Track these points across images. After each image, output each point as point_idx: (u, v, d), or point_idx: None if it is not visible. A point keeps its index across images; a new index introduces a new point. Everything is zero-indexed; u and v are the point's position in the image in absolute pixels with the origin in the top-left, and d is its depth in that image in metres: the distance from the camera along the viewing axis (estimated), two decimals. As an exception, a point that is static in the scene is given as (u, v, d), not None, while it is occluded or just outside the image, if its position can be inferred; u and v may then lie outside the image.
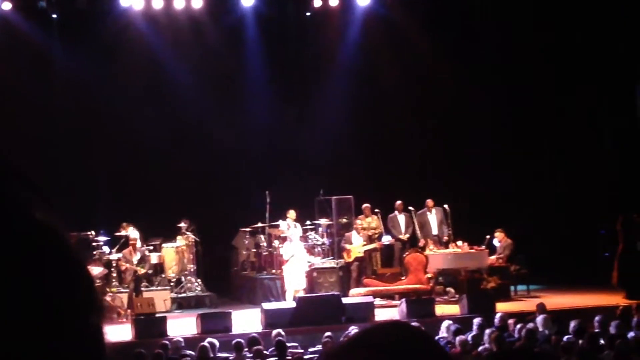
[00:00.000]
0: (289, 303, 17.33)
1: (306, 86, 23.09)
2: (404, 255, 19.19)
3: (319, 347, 13.82)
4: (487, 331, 12.98)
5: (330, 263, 19.57)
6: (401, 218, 20.22)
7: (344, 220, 20.58)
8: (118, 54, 22.09)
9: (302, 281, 18.40)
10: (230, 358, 13.32)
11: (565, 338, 12.54)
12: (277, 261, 19.61)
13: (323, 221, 20.43)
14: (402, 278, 18.86)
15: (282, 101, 22.87)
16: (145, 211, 19.87)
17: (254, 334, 14.33)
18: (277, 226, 20.03)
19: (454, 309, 17.18)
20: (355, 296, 17.95)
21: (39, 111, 21.40)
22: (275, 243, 19.94)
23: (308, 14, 23.55)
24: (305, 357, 13.16)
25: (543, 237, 21.80)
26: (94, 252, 18.80)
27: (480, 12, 22.72)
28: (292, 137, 22.46)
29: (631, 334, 12.88)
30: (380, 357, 1.31)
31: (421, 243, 19.76)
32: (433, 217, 20.19)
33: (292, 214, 19.48)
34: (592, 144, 22.80)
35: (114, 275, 19.17)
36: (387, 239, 19.88)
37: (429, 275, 18.74)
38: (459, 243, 19.45)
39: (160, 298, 18.42)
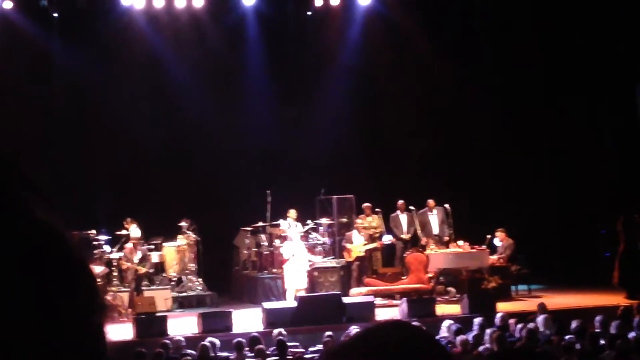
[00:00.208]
0: (290, 302, 17.33)
1: (307, 85, 23.09)
2: (405, 255, 19.20)
3: (319, 346, 13.82)
4: (488, 331, 12.99)
5: (331, 262, 19.57)
6: (403, 218, 20.22)
7: (345, 219, 20.58)
8: (119, 53, 22.08)
9: (302, 280, 18.39)
10: (231, 357, 13.32)
11: (566, 338, 12.55)
12: (278, 260, 19.60)
13: (324, 220, 20.44)
14: (403, 278, 18.87)
15: (283, 100, 22.88)
16: (146, 210, 19.86)
17: (255, 334, 14.33)
18: (278, 225, 20.04)
19: (455, 309, 17.17)
20: (356, 296, 17.95)
21: (39, 110, 21.40)
22: (276, 242, 19.94)
23: (309, 13, 23.55)
24: (306, 356, 13.17)
25: (544, 237, 21.82)
26: (95, 251, 18.81)
27: (480, 12, 22.71)
28: (293, 136, 22.46)
29: (632, 334, 12.88)
30: (381, 356, 1.31)
31: (423, 242, 19.76)
32: (434, 217, 20.19)
33: (292, 213, 19.48)
34: (593, 144, 22.79)
35: (115, 274, 19.18)
36: (387, 239, 19.87)
37: (429, 275, 18.75)
38: (460, 243, 19.45)
39: (161, 297, 18.43)
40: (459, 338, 12.90)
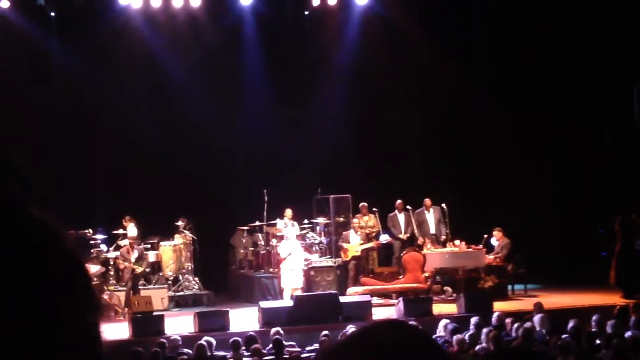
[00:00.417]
0: (287, 302, 17.34)
1: (304, 85, 23.09)
2: (402, 254, 19.20)
3: (316, 345, 13.82)
4: (485, 330, 12.98)
5: (327, 262, 19.57)
6: (401, 217, 20.21)
7: (342, 219, 20.58)
8: (116, 52, 22.06)
9: (299, 280, 18.40)
10: (228, 356, 13.31)
11: (562, 337, 12.55)
12: (275, 260, 19.62)
13: (321, 220, 20.46)
14: (400, 277, 18.87)
15: (280, 100, 22.86)
16: (143, 209, 19.85)
17: (252, 333, 14.32)
18: (275, 225, 20.05)
19: (452, 308, 17.18)
20: (353, 295, 17.96)
21: (36, 109, 21.38)
22: (273, 242, 19.96)
23: (306, 12, 23.55)
24: (303, 355, 13.17)
25: (541, 237, 21.83)
26: (92, 251, 18.81)
27: (479, 11, 22.70)
28: (290, 135, 22.44)
29: (628, 333, 12.88)
30: (377, 356, 1.31)
31: (419, 241, 19.77)
32: (431, 216, 20.19)
33: (288, 212, 19.50)
34: (591, 143, 22.80)
35: (112, 273, 19.20)
36: (384, 238, 19.88)
37: (426, 274, 18.75)
38: (457, 242, 19.45)
39: (157, 296, 18.42)
40: (456, 337, 12.90)
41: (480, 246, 19.49)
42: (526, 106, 22.72)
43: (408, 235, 20.09)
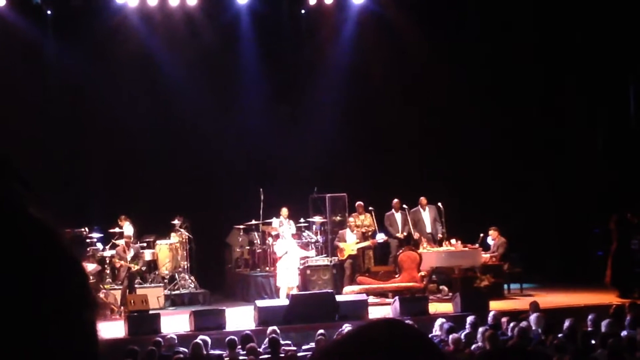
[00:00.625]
0: (283, 300, 17.33)
1: (301, 83, 23.08)
2: (398, 253, 19.20)
3: (312, 344, 13.81)
4: (481, 329, 12.99)
5: (323, 261, 19.57)
6: (398, 216, 20.21)
7: (338, 217, 20.58)
8: (112, 51, 22.03)
9: (295, 278, 18.40)
10: (224, 355, 13.31)
11: (558, 336, 12.56)
12: (271, 258, 19.62)
13: (317, 219, 20.46)
14: (396, 276, 18.87)
15: (277, 98, 22.85)
16: (139, 208, 19.84)
17: (248, 332, 14.32)
18: (270, 224, 20.06)
19: (447, 307, 17.19)
20: (349, 294, 17.96)
21: (32, 107, 21.35)
22: (269, 240, 19.96)
23: (303, 11, 23.55)
24: (299, 354, 13.16)
25: (537, 236, 21.84)
26: (88, 249, 18.80)
27: (475, 10, 22.69)
28: (287, 134, 22.43)
29: (624, 333, 12.90)
30: (373, 355, 1.31)
31: (416, 236, 19.78)
32: (426, 215, 20.21)
33: (284, 211, 19.50)
34: (586, 143, 22.83)
35: (108, 272, 19.20)
36: (380, 237, 19.87)
37: (422, 273, 18.75)
38: (453, 241, 19.46)
39: (153, 295, 18.43)
40: (452, 336, 12.90)
41: (477, 245, 19.50)
42: (523, 105, 22.72)
43: (405, 234, 20.10)
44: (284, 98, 22.93)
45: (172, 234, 20.34)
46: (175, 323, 16.39)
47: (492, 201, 21.60)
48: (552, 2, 22.41)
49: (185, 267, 20.26)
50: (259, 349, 13.17)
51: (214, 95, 22.24)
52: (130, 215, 19.42)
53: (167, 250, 20.26)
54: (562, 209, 22.33)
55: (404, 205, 20.10)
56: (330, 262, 19.53)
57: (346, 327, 13.13)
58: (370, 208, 20.02)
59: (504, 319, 14.45)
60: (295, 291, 17.89)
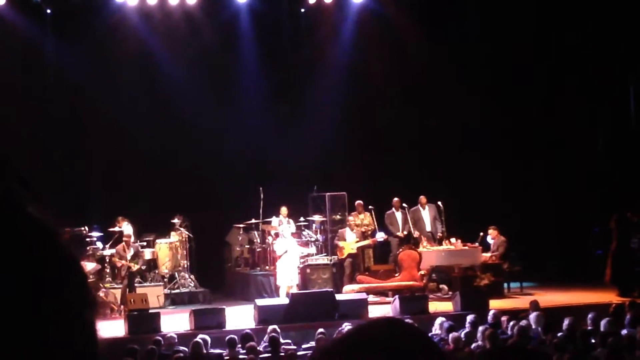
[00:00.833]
0: (282, 299, 17.33)
1: (300, 82, 23.07)
2: (398, 252, 19.20)
3: (312, 343, 13.82)
4: (481, 328, 13.00)
5: (323, 259, 19.58)
6: (398, 215, 20.22)
7: (338, 216, 20.58)
8: (112, 50, 22.03)
9: (294, 277, 18.41)
10: (224, 354, 13.31)
11: (558, 335, 12.56)
12: (271, 257, 19.62)
13: (316, 218, 20.46)
14: (396, 275, 18.87)
15: (276, 97, 22.84)
16: (138, 207, 19.85)
17: (248, 330, 14.32)
18: (270, 222, 20.06)
19: (447, 306, 17.19)
20: (349, 293, 17.96)
21: (32, 106, 21.34)
22: (269, 239, 19.96)
23: (302, 10, 23.54)
24: (299, 353, 13.16)
25: (536, 235, 21.84)
26: (88, 248, 18.80)
27: (475, 10, 22.68)
28: (286, 133, 22.42)
29: (624, 332, 12.90)
30: (373, 353, 1.31)
31: (416, 234, 19.79)
32: (426, 214, 20.21)
33: (284, 210, 19.51)
34: (586, 143, 22.82)
35: (107, 271, 19.20)
36: (380, 236, 19.87)
37: (422, 272, 18.75)
38: (453, 240, 19.47)
39: (153, 294, 18.43)
40: (451, 335, 12.90)
41: (476, 244, 19.51)
42: (523, 105, 22.71)
43: (406, 233, 20.10)
44: (284, 97, 22.92)
45: (172, 233, 20.33)
46: (175, 322, 16.39)
47: (492, 200, 21.59)
48: (552, 2, 22.41)
49: (185, 266, 20.26)
50: (258, 348, 13.17)
51: (214, 95, 22.23)
52: (129, 215, 19.42)
53: (167, 249, 20.26)
54: (562, 209, 22.33)
55: (404, 204, 20.11)
56: (330, 261, 19.54)
57: (346, 326, 13.12)
58: (370, 207, 20.01)
59: (503, 318, 14.45)
60: (295, 290, 17.90)
